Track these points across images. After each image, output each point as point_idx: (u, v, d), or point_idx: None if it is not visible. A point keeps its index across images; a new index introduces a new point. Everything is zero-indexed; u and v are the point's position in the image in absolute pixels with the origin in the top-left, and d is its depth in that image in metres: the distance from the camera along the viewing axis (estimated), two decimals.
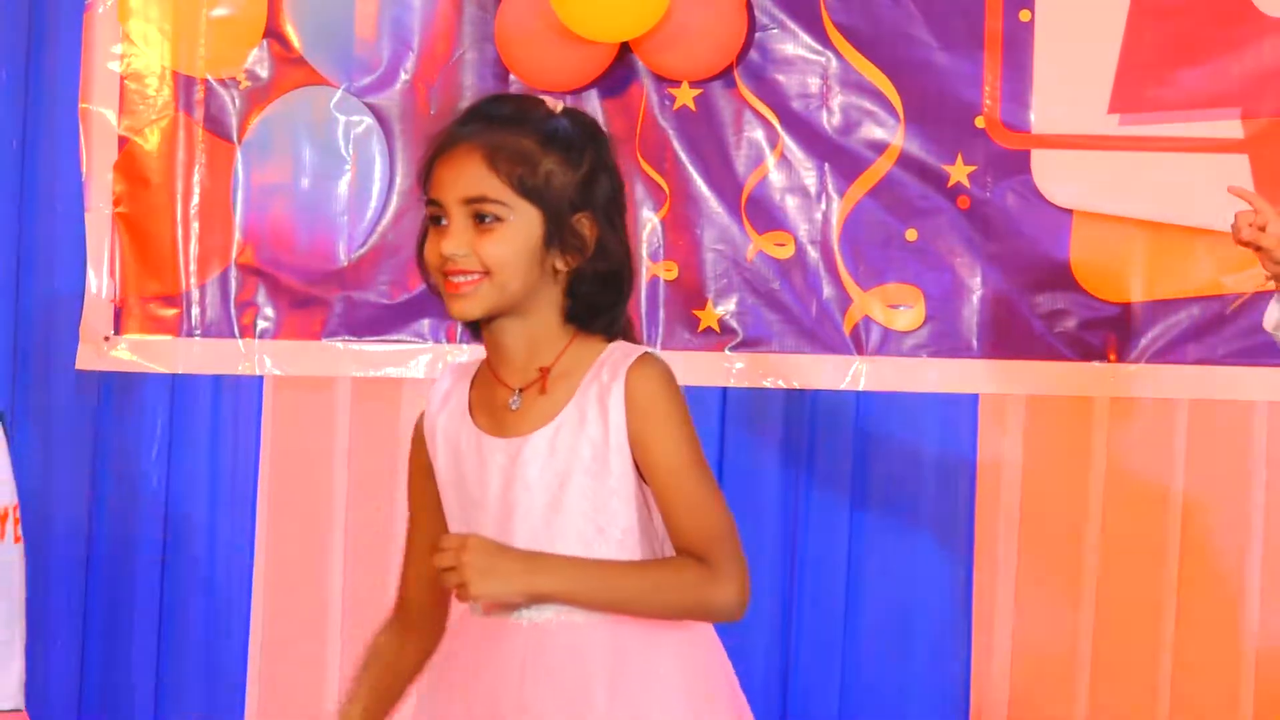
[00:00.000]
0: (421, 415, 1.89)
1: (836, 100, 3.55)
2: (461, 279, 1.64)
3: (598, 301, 1.72)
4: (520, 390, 1.72)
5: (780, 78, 3.53)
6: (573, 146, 1.70)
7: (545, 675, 1.80)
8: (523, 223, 1.63)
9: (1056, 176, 3.64)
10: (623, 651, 1.80)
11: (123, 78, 3.70)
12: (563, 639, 1.77)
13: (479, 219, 1.62)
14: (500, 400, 1.75)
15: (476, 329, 1.83)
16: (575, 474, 1.71)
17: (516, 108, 1.84)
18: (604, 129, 1.86)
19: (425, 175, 1.72)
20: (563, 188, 1.67)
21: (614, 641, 1.79)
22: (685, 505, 1.70)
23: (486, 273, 1.62)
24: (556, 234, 1.65)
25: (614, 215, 1.75)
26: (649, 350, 1.76)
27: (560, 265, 1.66)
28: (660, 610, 1.76)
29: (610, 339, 1.77)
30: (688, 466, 1.69)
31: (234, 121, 3.73)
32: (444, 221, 1.66)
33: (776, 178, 3.54)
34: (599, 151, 1.75)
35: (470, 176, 1.65)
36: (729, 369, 3.56)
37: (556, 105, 1.81)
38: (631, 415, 1.67)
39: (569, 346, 1.71)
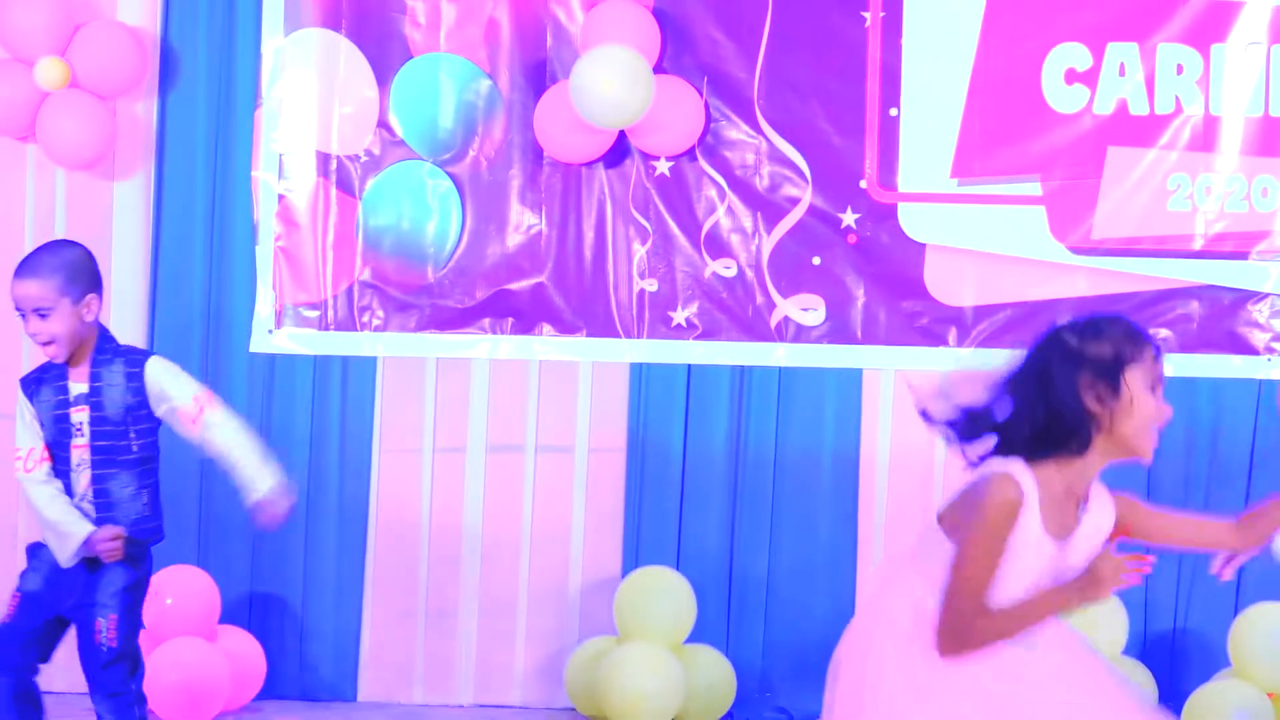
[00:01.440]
0: (1018, 504, 2.16)
1: (765, 170, 4.45)
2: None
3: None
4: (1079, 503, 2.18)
5: (727, 154, 4.46)
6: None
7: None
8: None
9: (915, 221, 4.60)
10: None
11: (281, 154, 4.60)
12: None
13: None
14: (1068, 512, 2.17)
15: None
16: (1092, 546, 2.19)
17: None
18: (1126, 339, 2.19)
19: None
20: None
21: None
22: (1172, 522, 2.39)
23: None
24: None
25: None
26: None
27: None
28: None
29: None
30: None
31: (356, 184, 4.59)
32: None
33: (725, 222, 4.47)
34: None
35: None
36: (692, 352, 4.51)
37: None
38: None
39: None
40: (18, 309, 3.48)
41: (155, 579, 4.42)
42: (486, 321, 4.66)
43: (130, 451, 3.66)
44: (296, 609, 4.88)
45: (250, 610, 4.87)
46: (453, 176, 4.67)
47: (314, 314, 4.70)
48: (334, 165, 4.69)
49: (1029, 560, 2.13)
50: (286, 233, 4.70)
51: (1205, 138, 4.51)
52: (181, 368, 3.79)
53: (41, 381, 3.60)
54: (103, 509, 3.59)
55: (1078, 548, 2.18)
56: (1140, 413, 2.09)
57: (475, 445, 4.76)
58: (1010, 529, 2.08)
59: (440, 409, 4.77)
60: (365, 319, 4.70)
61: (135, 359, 3.71)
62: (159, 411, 3.65)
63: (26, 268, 3.51)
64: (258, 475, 3.65)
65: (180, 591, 4.63)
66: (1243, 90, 4.48)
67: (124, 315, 4.68)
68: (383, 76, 4.67)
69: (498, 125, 4.66)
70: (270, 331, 4.77)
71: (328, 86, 4.70)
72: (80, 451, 3.62)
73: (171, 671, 4.47)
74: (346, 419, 4.77)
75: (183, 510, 4.79)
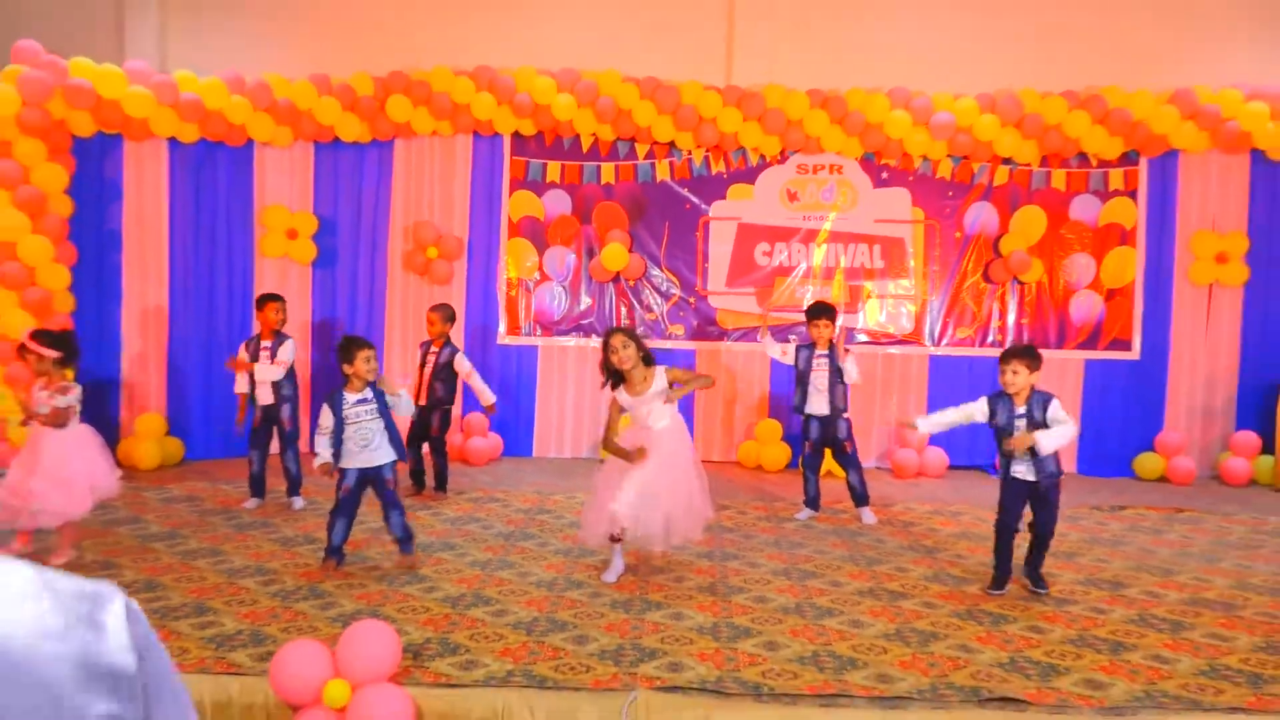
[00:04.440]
0: (614, 400, 3.61)
1: (664, 284, 7.00)
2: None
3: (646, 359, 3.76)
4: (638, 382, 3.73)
5: (652, 279, 6.96)
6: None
7: (664, 436, 3.82)
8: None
9: (715, 301, 6.98)
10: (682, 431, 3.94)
11: (506, 278, 7.00)
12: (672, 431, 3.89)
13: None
14: (635, 385, 3.72)
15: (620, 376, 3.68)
16: (658, 397, 3.78)
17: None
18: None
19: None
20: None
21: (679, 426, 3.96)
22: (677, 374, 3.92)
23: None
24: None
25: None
26: (662, 366, 3.91)
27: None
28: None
29: (650, 364, 3.80)
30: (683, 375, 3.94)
31: (531, 288, 7.02)
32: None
33: (651, 300, 6.96)
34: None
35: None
36: None
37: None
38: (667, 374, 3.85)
39: (648, 369, 3.76)
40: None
41: (468, 418, 6.77)
42: (573, 334, 7.13)
43: None
44: (512, 423, 7.08)
45: (500, 426, 7.03)
46: (563, 286, 7.11)
47: (516, 331, 7.14)
48: (524, 283, 7.12)
49: (631, 405, 3.65)
50: (508, 304, 7.12)
51: (807, 274, 7.03)
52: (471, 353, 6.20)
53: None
54: None
55: (653, 393, 3.64)
56: (612, 362, 3.54)
57: (569, 371, 7.09)
58: (615, 410, 3.65)
59: (554, 366, 7.13)
60: (533, 333, 7.12)
61: (454, 349, 5.46)
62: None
63: (440, 306, 5.49)
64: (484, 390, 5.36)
65: (474, 422, 6.84)
66: (820, 259, 7.01)
67: (458, 333, 6.81)
68: (540, 252, 7.03)
69: (578, 268, 7.11)
70: (501, 337, 7.12)
71: (520, 256, 7.04)
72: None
73: (472, 446, 6.69)
74: (526, 364, 7.12)
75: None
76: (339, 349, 3.94)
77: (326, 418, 3.90)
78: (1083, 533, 5.14)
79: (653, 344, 6.90)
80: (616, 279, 7.11)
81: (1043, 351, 6.64)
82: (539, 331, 7.15)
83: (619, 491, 3.66)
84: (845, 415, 5.22)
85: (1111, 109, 6.79)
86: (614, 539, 3.91)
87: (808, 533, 4.99)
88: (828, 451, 5.42)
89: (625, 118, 6.88)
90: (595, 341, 7.08)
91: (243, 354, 5.10)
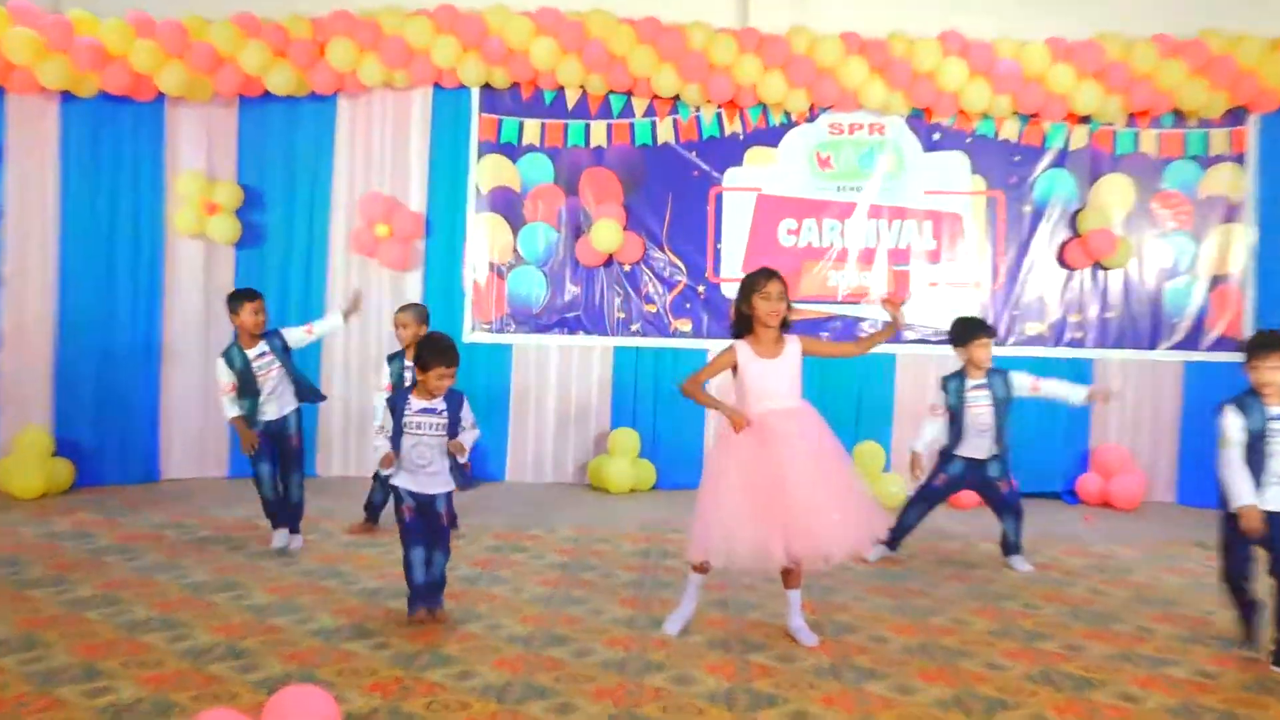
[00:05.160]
0: (734, 349, 3.50)
1: (667, 270, 6.92)
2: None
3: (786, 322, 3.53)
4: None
5: (653, 262, 6.90)
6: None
7: (793, 422, 3.49)
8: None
9: (728, 289, 6.86)
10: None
11: (474, 263, 6.88)
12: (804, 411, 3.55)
13: None
14: (770, 348, 3.52)
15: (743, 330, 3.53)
16: (794, 365, 3.53)
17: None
18: (753, 278, 3.46)
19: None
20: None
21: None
22: (828, 346, 3.95)
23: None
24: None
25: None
26: (795, 334, 3.62)
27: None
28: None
29: (787, 331, 3.57)
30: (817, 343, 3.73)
31: (505, 274, 6.95)
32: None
33: (652, 289, 6.89)
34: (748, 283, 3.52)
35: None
36: (639, 343, 6.81)
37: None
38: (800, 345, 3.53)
39: (782, 335, 3.53)
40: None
41: None
42: (555, 330, 7.07)
43: None
44: (481, 440, 6.91)
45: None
46: (544, 271, 7.06)
47: (487, 326, 7.08)
48: (495, 268, 7.06)
49: (753, 366, 3.55)
50: (476, 294, 7.05)
51: (841, 257, 7.02)
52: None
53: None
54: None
55: (785, 363, 3.56)
56: (756, 308, 3.54)
57: (550, 376, 7.05)
58: (727, 360, 3.57)
59: (532, 369, 7.07)
60: (506, 329, 7.07)
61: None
62: None
63: (410, 307, 5.26)
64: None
65: None
66: (858, 238, 7.01)
67: None
68: (515, 230, 7.00)
69: (562, 250, 7.05)
70: (470, 333, 7.03)
71: (492, 234, 7.01)
72: None
73: None
74: (498, 368, 7.07)
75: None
76: (420, 349, 3.93)
77: (388, 420, 3.91)
78: (1185, 578, 5.06)
79: (654, 342, 6.93)
80: (609, 263, 7.08)
81: (1134, 353, 6.92)
82: (513, 327, 7.14)
83: (723, 500, 3.49)
84: (1001, 452, 5.01)
85: (1213, 57, 6.78)
86: (697, 569, 3.82)
87: (842, 576, 4.93)
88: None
89: (619, 67, 6.85)
90: (582, 339, 7.05)
91: (225, 378, 4.88)
